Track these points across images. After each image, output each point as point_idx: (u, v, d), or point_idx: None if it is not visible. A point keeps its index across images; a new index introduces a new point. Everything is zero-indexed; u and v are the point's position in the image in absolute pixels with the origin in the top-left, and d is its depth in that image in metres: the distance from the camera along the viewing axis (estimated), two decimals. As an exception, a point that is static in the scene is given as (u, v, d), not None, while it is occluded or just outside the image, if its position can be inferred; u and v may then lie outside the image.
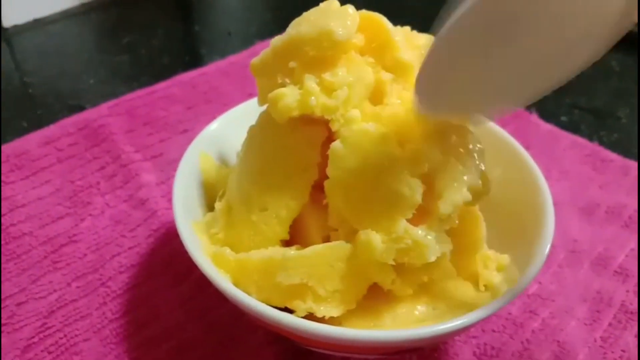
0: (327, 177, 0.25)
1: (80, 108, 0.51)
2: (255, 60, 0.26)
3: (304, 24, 0.23)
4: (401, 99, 0.24)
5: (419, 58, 0.25)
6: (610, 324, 0.33)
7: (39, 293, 0.34)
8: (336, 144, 0.23)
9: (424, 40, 0.26)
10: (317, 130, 0.24)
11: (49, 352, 0.31)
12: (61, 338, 0.32)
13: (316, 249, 0.23)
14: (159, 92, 0.53)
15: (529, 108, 0.52)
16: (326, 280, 0.23)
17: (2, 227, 0.38)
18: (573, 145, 0.48)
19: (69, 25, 0.66)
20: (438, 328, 0.22)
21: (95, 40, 0.65)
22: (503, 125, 0.50)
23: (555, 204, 0.41)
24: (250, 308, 0.22)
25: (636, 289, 0.35)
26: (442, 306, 0.25)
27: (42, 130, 0.47)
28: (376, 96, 0.24)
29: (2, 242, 0.37)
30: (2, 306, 0.33)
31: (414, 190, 0.22)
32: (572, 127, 0.50)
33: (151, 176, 0.43)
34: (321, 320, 0.23)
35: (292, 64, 0.24)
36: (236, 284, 0.24)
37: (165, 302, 0.34)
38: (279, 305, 0.23)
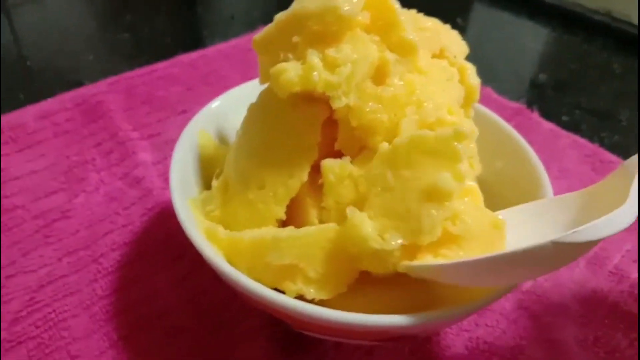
0: (325, 157, 0.24)
1: (79, 84, 0.50)
2: (257, 36, 0.25)
3: (307, -1, 0.23)
4: (404, 81, 0.23)
5: (423, 40, 0.24)
6: (603, 324, 0.33)
7: (29, 267, 0.34)
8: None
9: (429, 23, 0.25)
10: (319, 108, 0.24)
11: (37, 327, 0.31)
12: (50, 313, 0.31)
13: (307, 230, 0.23)
14: (159, 71, 0.52)
15: (530, 106, 0.52)
16: (317, 262, 0.22)
17: (-5, 199, 0.37)
18: (573, 145, 0.47)
19: (71, 1, 0.65)
20: (430, 316, 0.21)
21: (97, 17, 0.64)
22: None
23: (553, 201, 0.41)
24: (242, 286, 0.22)
25: (631, 290, 0.35)
26: (436, 293, 0.24)
27: (40, 103, 0.46)
28: (379, 76, 0.23)
29: (-6, 214, 0.36)
30: (-10, 278, 0.33)
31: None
32: (573, 127, 0.50)
33: (148, 155, 0.42)
34: (311, 302, 0.22)
35: (295, 39, 0.23)
36: (229, 262, 0.24)
37: (157, 282, 0.33)
38: (269, 286, 0.23)
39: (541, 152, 0.47)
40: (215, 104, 0.33)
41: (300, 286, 0.22)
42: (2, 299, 0.32)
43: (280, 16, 0.24)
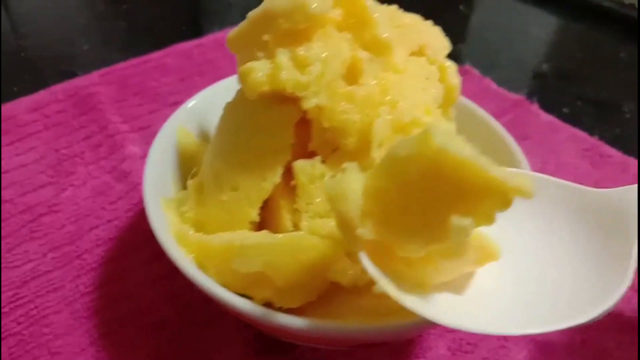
0: (298, 158, 0.24)
1: (73, 74, 0.50)
2: (231, 33, 0.25)
3: (278, -3, 0.22)
4: (377, 80, 0.22)
5: (400, 37, 0.23)
6: (590, 326, 0.32)
7: (13, 262, 0.34)
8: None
9: (408, 19, 0.24)
10: (291, 109, 0.23)
11: (19, 323, 0.31)
12: (32, 309, 0.31)
13: (276, 239, 0.22)
14: (152, 61, 0.52)
15: (531, 97, 0.50)
16: (285, 271, 0.22)
17: (-18, 193, 0.37)
18: (572, 138, 0.46)
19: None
20: (399, 324, 0.21)
21: (93, 4, 0.64)
22: (502, 113, 0.49)
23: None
24: (208, 291, 0.22)
25: (623, 290, 0.34)
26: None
27: (32, 95, 0.46)
28: (351, 75, 0.22)
29: (-19, 209, 0.36)
30: (-25, 273, 0.33)
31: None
32: (573, 119, 0.49)
33: (136, 148, 0.42)
34: (280, 309, 0.22)
35: (265, 37, 0.22)
36: (199, 265, 0.23)
37: (139, 279, 0.33)
38: (238, 291, 0.22)
39: (539, 145, 0.46)
40: (196, 99, 0.32)
41: (267, 294, 0.22)
42: (-14, 295, 0.32)
43: (252, 13, 0.23)
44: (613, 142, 0.46)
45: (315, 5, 0.21)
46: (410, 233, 0.18)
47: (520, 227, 0.25)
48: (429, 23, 0.27)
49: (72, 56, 0.54)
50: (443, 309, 0.20)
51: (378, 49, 0.22)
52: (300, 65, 0.22)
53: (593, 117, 0.50)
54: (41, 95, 0.46)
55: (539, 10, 0.68)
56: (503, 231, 0.22)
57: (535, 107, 0.49)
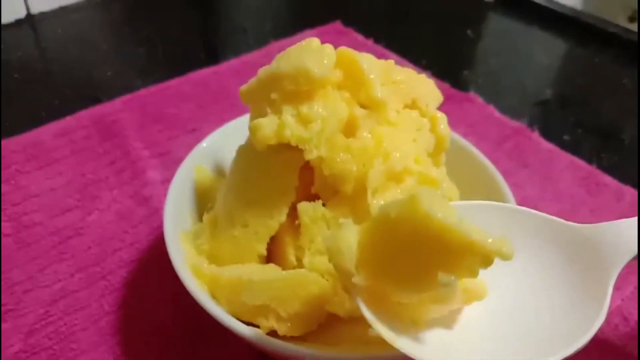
0: (303, 199, 0.26)
1: (97, 100, 0.53)
2: (243, 87, 0.27)
3: (284, 60, 0.25)
4: (372, 133, 0.25)
5: (394, 92, 0.26)
6: (579, 353, 0.34)
7: (44, 282, 0.37)
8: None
9: (403, 75, 0.27)
10: (296, 156, 0.26)
11: (50, 339, 0.34)
12: (61, 326, 0.34)
13: (280, 275, 0.25)
14: (171, 88, 0.55)
15: (532, 124, 0.52)
16: (287, 304, 0.25)
17: (15, 216, 0.41)
18: (570, 167, 0.48)
19: (92, 15, 0.69)
20: (391, 353, 0.23)
21: (115, 30, 0.67)
22: (503, 141, 0.51)
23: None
24: (219, 319, 0.24)
25: (610, 319, 0.36)
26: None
27: (59, 121, 0.50)
28: (349, 129, 0.25)
29: (14, 231, 0.40)
30: (10, 292, 0.36)
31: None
32: (573, 147, 0.50)
33: (157, 174, 0.45)
34: (284, 338, 0.25)
35: (273, 96, 0.25)
36: (212, 295, 0.26)
37: (158, 300, 0.36)
38: (246, 320, 0.25)
39: (538, 173, 0.48)
40: (211, 138, 0.35)
41: (272, 323, 0.25)
42: (20, 312, 0.35)
43: (262, 72, 0.26)
44: (611, 169, 0.48)
45: (317, 70, 0.24)
46: (401, 283, 0.21)
47: (505, 264, 0.27)
48: (423, 76, 0.29)
49: (95, 82, 0.57)
50: (432, 349, 0.23)
51: (373, 106, 0.25)
52: (304, 121, 0.25)
53: (592, 145, 0.52)
54: (68, 121, 0.50)
55: (545, 34, 0.70)
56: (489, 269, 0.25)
57: (535, 135, 0.51)
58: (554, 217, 0.27)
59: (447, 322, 0.25)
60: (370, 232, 0.21)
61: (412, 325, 0.23)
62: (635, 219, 0.25)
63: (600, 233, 0.25)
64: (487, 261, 0.20)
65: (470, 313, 0.25)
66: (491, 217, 0.26)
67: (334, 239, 0.20)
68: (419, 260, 0.20)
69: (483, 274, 0.25)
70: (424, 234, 0.19)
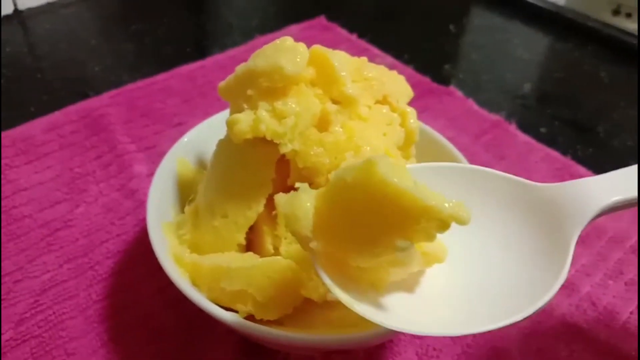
0: (280, 191, 0.28)
1: (85, 95, 0.54)
2: (222, 84, 0.29)
3: (259, 58, 0.26)
4: (343, 128, 0.26)
5: (365, 89, 0.27)
6: (548, 335, 0.36)
7: (33, 272, 0.38)
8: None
9: (374, 72, 0.28)
10: (272, 150, 0.27)
11: (39, 327, 0.35)
12: (50, 315, 0.36)
13: (256, 262, 0.27)
14: (158, 83, 0.56)
15: (509, 118, 0.54)
16: (264, 289, 0.26)
17: (5, 209, 0.42)
18: (546, 158, 0.50)
19: (80, 10, 0.69)
20: (362, 334, 0.25)
21: (103, 26, 0.68)
22: (481, 134, 0.53)
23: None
24: (200, 305, 0.26)
25: (580, 303, 0.38)
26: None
27: (48, 116, 0.51)
28: (322, 124, 0.27)
29: (5, 223, 0.41)
30: (1, 282, 0.37)
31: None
32: (549, 139, 0.52)
33: (143, 167, 0.46)
34: (261, 321, 0.26)
35: (249, 92, 0.26)
36: (193, 283, 0.28)
37: (144, 289, 0.37)
38: (225, 305, 0.26)
39: (513, 165, 0.50)
40: (193, 132, 0.36)
41: (250, 308, 0.26)
42: (10, 302, 0.36)
43: (238, 69, 0.28)
44: (585, 161, 0.50)
45: (290, 68, 0.25)
46: (358, 247, 0.21)
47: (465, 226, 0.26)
48: (394, 73, 0.31)
49: (84, 78, 0.58)
50: (392, 313, 0.23)
51: (345, 102, 0.26)
52: (278, 117, 0.26)
53: (568, 137, 0.54)
54: (56, 116, 0.51)
55: (527, 29, 0.71)
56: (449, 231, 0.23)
57: (513, 128, 0.53)
58: (516, 177, 0.26)
59: (408, 285, 0.25)
60: (326, 198, 0.21)
61: (371, 289, 0.23)
62: (598, 177, 0.24)
63: (563, 192, 0.24)
64: (443, 226, 0.20)
65: (431, 275, 0.25)
66: (451, 179, 0.25)
67: (290, 205, 0.21)
68: (375, 224, 0.20)
69: (443, 236, 0.25)
70: (379, 198, 0.19)
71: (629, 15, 0.95)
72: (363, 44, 0.62)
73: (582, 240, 0.42)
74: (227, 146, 0.30)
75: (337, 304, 0.27)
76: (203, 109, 0.53)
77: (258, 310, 0.26)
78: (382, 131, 0.27)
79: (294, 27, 0.64)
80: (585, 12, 0.72)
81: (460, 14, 0.74)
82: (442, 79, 0.59)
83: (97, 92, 0.54)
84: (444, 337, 0.35)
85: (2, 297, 0.36)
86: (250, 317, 0.27)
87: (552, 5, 0.73)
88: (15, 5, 0.66)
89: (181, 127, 0.51)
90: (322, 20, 0.66)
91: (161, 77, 0.57)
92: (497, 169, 0.49)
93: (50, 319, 0.35)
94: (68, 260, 0.39)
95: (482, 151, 0.50)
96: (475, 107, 0.55)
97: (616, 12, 1.07)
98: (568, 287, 0.39)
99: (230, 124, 0.26)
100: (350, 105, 0.26)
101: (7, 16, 0.66)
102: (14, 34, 0.64)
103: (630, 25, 0.85)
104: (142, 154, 0.48)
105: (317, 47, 0.27)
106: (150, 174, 0.45)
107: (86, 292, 0.37)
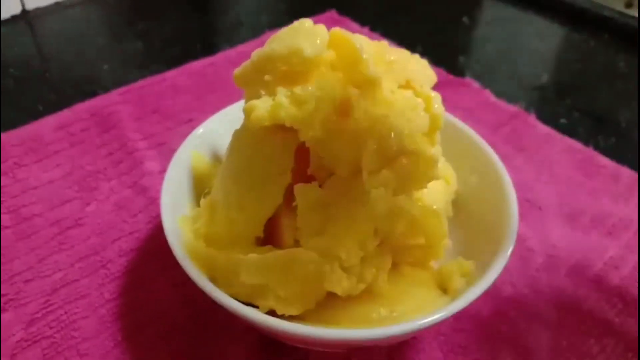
0: (299, 181, 0.27)
1: (94, 94, 0.53)
2: (237, 71, 0.27)
3: (277, 42, 0.25)
4: (366, 114, 0.25)
5: (388, 73, 0.26)
6: (578, 330, 0.35)
7: (44, 272, 0.37)
8: None
9: (396, 55, 0.27)
10: (291, 136, 0.26)
11: (51, 327, 0.34)
12: (62, 315, 0.35)
13: (277, 255, 0.25)
14: (168, 80, 0.55)
15: (528, 109, 0.52)
16: (285, 283, 0.25)
17: (15, 207, 0.41)
18: (567, 150, 0.48)
19: (88, 10, 0.69)
20: (389, 330, 0.23)
21: (111, 25, 0.67)
22: (500, 126, 0.51)
23: (540, 208, 0.42)
24: (218, 300, 0.25)
25: (608, 297, 0.36)
26: (400, 310, 0.27)
27: (57, 114, 0.50)
28: (343, 109, 0.25)
29: (14, 222, 0.40)
30: (11, 282, 0.36)
31: None
32: (569, 130, 0.51)
33: (154, 164, 0.45)
34: (282, 317, 0.25)
35: (267, 77, 0.25)
36: (210, 278, 0.26)
37: (157, 287, 0.36)
38: (245, 300, 0.25)
39: (534, 156, 0.48)
40: (209, 122, 0.35)
41: (271, 303, 0.25)
42: (21, 302, 0.35)
43: (255, 55, 0.26)
44: (607, 151, 0.48)
45: (310, 50, 0.24)
46: None
47: None
48: (416, 57, 0.29)
49: (92, 76, 0.57)
50: None
51: (367, 86, 0.25)
52: (298, 102, 0.24)
53: (589, 128, 0.52)
54: (65, 115, 0.50)
55: (541, 20, 0.70)
56: None
57: (532, 119, 0.51)
58: None
59: None
60: None
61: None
62: None
63: None
64: None
65: None
66: None
67: None
68: None
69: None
70: None
71: (642, 6, 0.93)
72: (376, 36, 0.61)
73: (609, 232, 0.41)
74: (244, 135, 0.28)
75: (363, 299, 0.26)
76: (214, 105, 0.51)
77: (280, 305, 0.25)
78: (406, 117, 0.26)
79: (304, 22, 0.63)
80: (598, 2, 0.71)
81: (472, 6, 0.73)
82: (457, 71, 0.58)
83: (106, 91, 0.53)
84: (470, 335, 0.34)
85: (12, 297, 0.35)
86: (271, 313, 0.26)
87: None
88: (23, 5, 0.65)
89: (192, 123, 0.50)
90: (333, 14, 0.65)
91: (170, 73, 0.56)
92: (517, 161, 0.48)
93: (62, 319, 0.34)
94: (79, 259, 0.38)
95: (501, 142, 0.48)
96: (493, 98, 0.54)
97: (629, 4, 1.06)
98: (596, 281, 0.37)
99: (247, 111, 0.25)
100: (374, 89, 0.25)
101: (15, 16, 0.65)
102: (21, 34, 0.63)
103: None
104: (154, 151, 0.47)
105: (337, 30, 0.26)
106: (162, 171, 0.45)
107: (98, 291, 0.36)
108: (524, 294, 0.37)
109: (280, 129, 0.26)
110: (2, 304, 0.35)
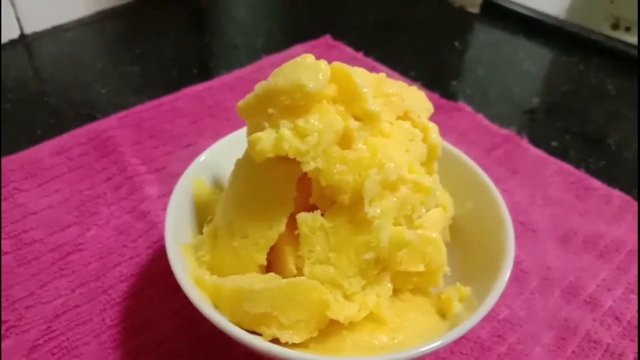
0: (301, 210, 0.27)
1: (92, 117, 0.54)
2: (241, 103, 0.28)
3: (280, 76, 0.26)
4: (366, 145, 0.26)
5: (386, 105, 0.27)
6: (573, 352, 0.35)
7: (45, 298, 0.37)
8: None
9: (394, 88, 0.28)
10: (294, 167, 0.27)
11: (52, 354, 0.34)
12: (64, 341, 0.35)
13: (280, 283, 0.26)
14: (166, 104, 0.56)
15: (520, 132, 0.54)
16: (288, 311, 0.25)
17: (15, 233, 0.41)
18: (559, 172, 0.49)
19: (85, 34, 0.69)
20: (391, 357, 0.24)
21: (108, 49, 0.68)
22: (493, 148, 0.52)
23: (534, 230, 0.43)
24: (223, 328, 0.25)
25: (603, 318, 0.37)
26: (401, 337, 0.27)
27: (55, 139, 0.50)
28: (345, 141, 0.26)
29: (14, 248, 0.40)
30: (12, 309, 0.36)
31: None
32: (561, 153, 0.52)
33: (154, 189, 0.46)
34: (286, 345, 0.25)
35: (270, 111, 0.26)
36: (214, 305, 0.27)
37: (158, 312, 0.36)
38: (248, 328, 0.26)
39: (527, 179, 0.49)
40: (211, 150, 0.36)
41: (274, 331, 0.25)
42: (22, 329, 0.35)
43: (259, 88, 0.27)
44: (598, 174, 0.49)
45: (312, 85, 0.25)
46: None
47: None
48: (414, 88, 0.30)
49: (90, 100, 0.58)
50: None
51: (367, 118, 0.26)
52: (301, 135, 0.25)
53: (580, 150, 0.54)
54: (64, 139, 0.50)
55: (531, 44, 0.72)
56: None
57: (524, 142, 0.53)
58: None
59: None
60: None
61: None
62: None
63: None
64: None
65: None
66: None
67: None
68: None
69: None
70: None
71: (628, 29, 0.96)
72: (369, 61, 0.63)
73: (601, 254, 0.42)
74: (247, 165, 0.29)
75: (365, 326, 0.27)
76: (212, 130, 0.53)
77: (283, 333, 0.25)
78: (405, 147, 0.27)
79: (300, 47, 0.64)
80: (585, 25, 0.73)
81: (463, 30, 0.75)
82: (450, 95, 0.59)
83: (104, 115, 0.54)
84: (469, 358, 0.34)
85: (13, 324, 0.35)
86: (274, 341, 0.26)
87: (554, 20, 0.74)
88: (21, 29, 0.66)
89: (191, 147, 0.50)
90: (327, 39, 0.66)
91: (169, 98, 0.56)
92: (510, 184, 0.49)
93: (63, 346, 0.35)
94: (80, 284, 0.38)
95: (494, 166, 0.49)
96: (485, 121, 0.55)
97: (615, 26, 1.08)
98: (591, 303, 0.38)
99: (252, 143, 0.26)
100: (373, 121, 0.26)
101: (13, 41, 0.66)
102: (19, 58, 0.64)
103: (631, 39, 0.86)
104: (153, 176, 0.47)
105: (338, 64, 0.27)
106: (162, 195, 0.45)
107: (100, 317, 0.36)
108: (520, 316, 0.37)
109: (283, 160, 0.27)
110: (2, 331, 0.35)
